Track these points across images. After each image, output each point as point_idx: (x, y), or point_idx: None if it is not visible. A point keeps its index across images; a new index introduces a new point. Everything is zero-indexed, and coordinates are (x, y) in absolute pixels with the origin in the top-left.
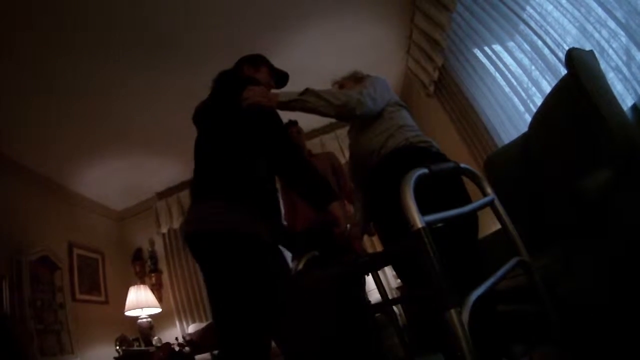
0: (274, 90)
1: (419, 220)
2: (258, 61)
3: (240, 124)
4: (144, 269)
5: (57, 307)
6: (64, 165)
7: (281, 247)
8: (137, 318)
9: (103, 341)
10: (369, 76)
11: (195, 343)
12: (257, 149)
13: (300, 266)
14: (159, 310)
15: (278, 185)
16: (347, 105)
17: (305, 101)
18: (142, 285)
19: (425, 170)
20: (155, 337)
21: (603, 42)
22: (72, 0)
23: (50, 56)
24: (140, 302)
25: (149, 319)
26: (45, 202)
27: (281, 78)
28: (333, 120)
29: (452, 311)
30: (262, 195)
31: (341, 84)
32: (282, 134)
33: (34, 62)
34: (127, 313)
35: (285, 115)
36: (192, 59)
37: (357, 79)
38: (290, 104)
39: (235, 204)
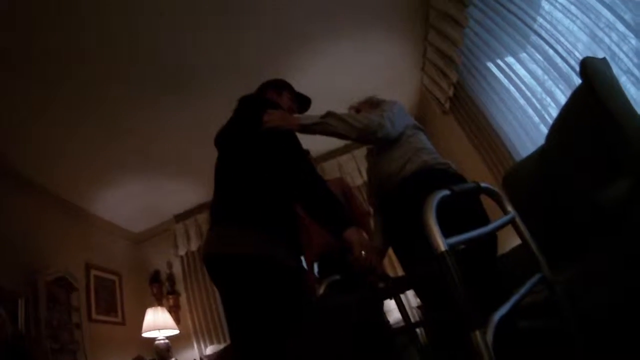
0: (295, 115)
1: (442, 244)
2: (280, 86)
3: (260, 147)
4: (161, 290)
5: (74, 327)
6: (82, 187)
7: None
8: (154, 339)
9: None
10: (385, 101)
11: None
12: (276, 172)
13: (322, 290)
14: (176, 332)
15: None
16: (368, 128)
17: (327, 124)
18: (159, 307)
19: (447, 192)
20: (173, 359)
21: (614, 46)
22: (92, 30)
23: (70, 84)
24: (158, 324)
25: (167, 341)
26: (63, 223)
27: (304, 102)
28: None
29: (477, 332)
30: (283, 218)
31: (357, 109)
32: (299, 157)
33: (54, 88)
34: (144, 334)
35: (299, 136)
36: (208, 85)
37: (372, 103)
38: (312, 127)
39: (255, 227)
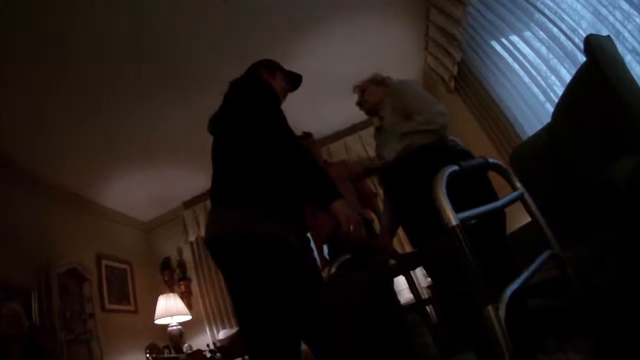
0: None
1: (453, 218)
2: (272, 66)
3: (252, 127)
4: (172, 277)
5: (87, 318)
6: (90, 179)
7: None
8: (166, 326)
9: (133, 349)
10: (389, 78)
11: (226, 349)
12: (265, 149)
13: (333, 269)
14: (188, 317)
15: None
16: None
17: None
18: (171, 294)
19: (456, 168)
20: (186, 344)
21: (618, 25)
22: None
23: (75, 79)
24: (170, 310)
25: (179, 327)
26: (72, 215)
27: (295, 81)
28: (356, 121)
29: (490, 307)
30: (282, 196)
31: (362, 88)
32: (279, 130)
33: (59, 78)
34: (156, 321)
35: (300, 127)
36: (211, 74)
37: (378, 81)
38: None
39: (255, 207)
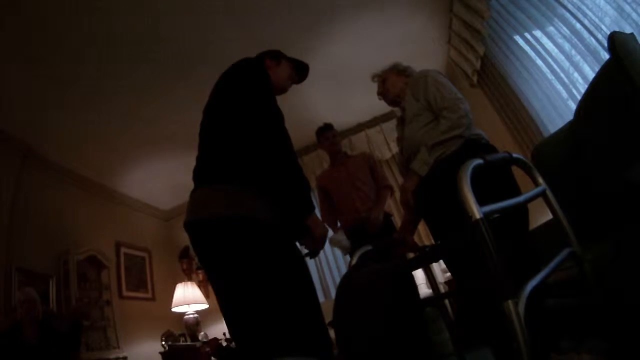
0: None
1: (477, 211)
2: (279, 55)
3: (243, 105)
4: (190, 266)
5: (104, 304)
6: (111, 168)
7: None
8: (183, 314)
9: (149, 337)
10: (410, 67)
11: None
12: (251, 139)
13: (354, 260)
14: (206, 306)
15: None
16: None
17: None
18: (189, 282)
19: (481, 161)
20: (202, 333)
21: None
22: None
23: (97, 68)
24: (187, 299)
25: (196, 315)
26: (92, 203)
27: (302, 70)
28: (377, 113)
29: (510, 302)
30: (270, 178)
31: (383, 78)
32: (275, 126)
33: (80, 70)
34: (173, 309)
35: (322, 117)
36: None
37: (399, 71)
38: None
39: (239, 187)
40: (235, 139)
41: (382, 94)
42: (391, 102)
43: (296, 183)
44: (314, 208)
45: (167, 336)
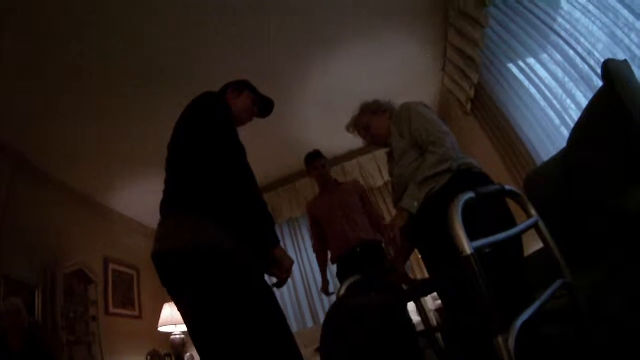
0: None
1: (467, 247)
2: (242, 86)
3: (204, 139)
4: None
5: (90, 319)
6: (102, 183)
7: None
8: (170, 334)
9: (134, 354)
10: (378, 101)
11: None
12: (216, 170)
13: (343, 290)
14: None
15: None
16: (447, 156)
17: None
18: None
19: (472, 195)
20: (188, 354)
21: (633, 47)
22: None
23: (94, 80)
24: (175, 318)
25: (182, 335)
26: (82, 218)
27: (265, 104)
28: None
29: (499, 338)
30: (233, 210)
31: (365, 125)
32: (236, 159)
33: (76, 83)
34: (160, 328)
35: (314, 145)
36: None
37: (374, 110)
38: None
39: (203, 218)
40: (198, 173)
41: (373, 141)
42: (383, 145)
43: (258, 217)
44: (278, 241)
45: (153, 355)
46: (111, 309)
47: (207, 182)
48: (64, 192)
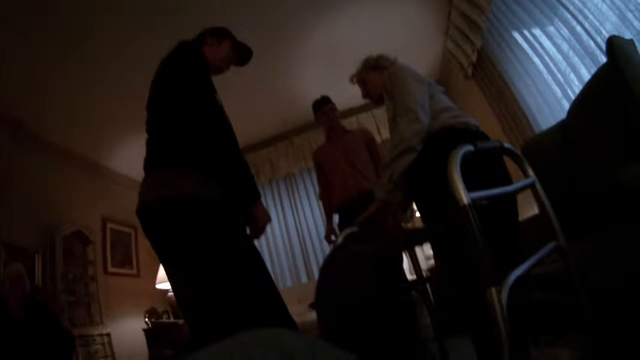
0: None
1: (464, 197)
2: (221, 34)
3: (181, 98)
4: None
5: (89, 280)
6: (100, 142)
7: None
8: (167, 291)
9: (133, 313)
10: (382, 57)
11: None
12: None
13: (340, 240)
14: None
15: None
16: (412, 140)
17: (395, 182)
18: None
19: (471, 148)
20: None
21: None
22: None
23: (91, 40)
24: None
25: None
26: (80, 178)
27: (245, 54)
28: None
29: (492, 290)
30: (212, 164)
31: (362, 79)
32: (212, 116)
33: (74, 45)
34: (158, 286)
35: (307, 103)
36: None
37: (373, 66)
38: (395, 191)
39: (184, 171)
40: (177, 131)
41: (367, 96)
42: (379, 102)
43: (237, 171)
44: (259, 196)
45: (151, 313)
46: (110, 269)
47: (187, 140)
48: (61, 156)
